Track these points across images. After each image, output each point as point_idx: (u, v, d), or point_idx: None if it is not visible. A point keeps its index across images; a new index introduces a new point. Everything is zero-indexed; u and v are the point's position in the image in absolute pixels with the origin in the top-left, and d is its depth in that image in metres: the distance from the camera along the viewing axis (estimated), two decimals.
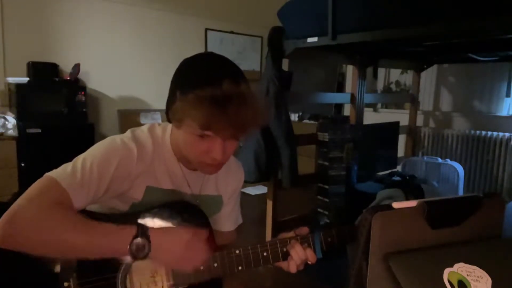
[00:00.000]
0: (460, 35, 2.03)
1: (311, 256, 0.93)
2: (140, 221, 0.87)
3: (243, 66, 0.86)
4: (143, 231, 0.78)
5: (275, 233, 2.54)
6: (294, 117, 4.80)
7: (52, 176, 0.78)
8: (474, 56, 2.68)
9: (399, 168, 3.37)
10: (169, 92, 0.85)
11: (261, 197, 3.73)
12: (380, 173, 3.12)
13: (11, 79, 3.33)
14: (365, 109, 3.02)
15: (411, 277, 0.90)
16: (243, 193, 1.19)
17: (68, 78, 3.56)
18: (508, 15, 1.45)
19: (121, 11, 4.02)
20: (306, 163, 2.99)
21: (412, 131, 3.64)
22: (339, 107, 4.61)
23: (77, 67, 3.53)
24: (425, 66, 3.47)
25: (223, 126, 0.77)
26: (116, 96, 4.08)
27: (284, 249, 0.93)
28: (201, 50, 4.46)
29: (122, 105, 4.09)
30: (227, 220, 1.10)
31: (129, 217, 0.88)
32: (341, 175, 2.65)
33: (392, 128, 3.35)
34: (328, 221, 2.63)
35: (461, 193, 2.98)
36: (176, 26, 4.40)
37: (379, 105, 4.34)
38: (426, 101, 3.92)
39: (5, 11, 3.39)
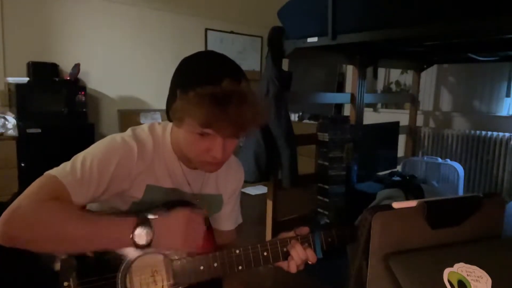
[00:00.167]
0: (460, 35, 2.03)
1: (311, 256, 0.93)
2: None
3: (243, 66, 0.86)
4: (144, 219, 0.79)
5: (275, 233, 2.54)
6: (294, 117, 4.80)
7: (52, 174, 0.79)
8: (474, 56, 2.69)
9: (399, 168, 3.38)
10: (169, 91, 0.85)
11: (261, 197, 3.73)
12: (380, 173, 3.12)
13: (11, 79, 3.33)
14: (365, 109, 3.02)
15: (411, 277, 0.90)
16: (243, 193, 1.19)
17: (68, 78, 3.55)
18: (508, 15, 1.45)
19: (121, 11, 4.02)
20: (306, 163, 2.99)
21: (412, 131, 3.64)
22: (339, 107, 4.61)
23: (77, 67, 3.52)
24: (425, 66, 3.47)
25: (224, 124, 0.77)
26: (116, 96, 4.08)
27: (284, 249, 0.93)
28: (201, 50, 4.45)
29: (122, 105, 4.09)
30: (227, 219, 1.10)
31: (129, 216, 0.88)
32: (341, 175, 2.65)
33: (392, 128, 3.35)
34: (328, 221, 2.63)
35: (461, 193, 2.98)
36: (176, 26, 4.40)
37: (379, 105, 4.34)
38: (426, 101, 3.92)
39: (5, 11, 3.39)
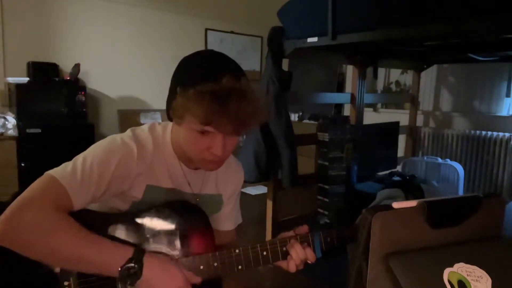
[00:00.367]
0: (460, 35, 2.03)
1: (310, 256, 0.93)
2: (139, 220, 0.88)
3: (243, 66, 0.86)
4: (139, 256, 0.78)
5: (275, 233, 2.54)
6: (294, 117, 4.80)
7: (53, 175, 0.78)
8: (474, 56, 2.68)
9: (399, 168, 3.38)
10: (169, 90, 0.85)
11: (261, 197, 3.73)
12: (380, 173, 3.12)
13: (11, 79, 3.33)
14: (365, 109, 3.02)
15: (411, 277, 0.90)
16: (243, 193, 1.19)
17: (68, 78, 3.55)
18: (508, 15, 1.45)
19: (121, 11, 4.02)
20: (306, 163, 2.99)
21: (412, 131, 3.64)
22: (339, 107, 4.61)
23: (77, 67, 3.52)
24: (425, 66, 3.47)
25: (224, 122, 0.77)
26: (116, 96, 4.08)
27: (284, 249, 0.93)
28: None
29: (122, 105, 4.09)
30: (227, 219, 1.10)
31: (129, 216, 0.88)
32: (341, 175, 2.65)
33: (392, 128, 3.35)
34: (328, 221, 2.63)
35: (461, 193, 2.98)
36: (176, 26, 4.40)
37: (379, 105, 4.34)
38: (426, 101, 3.92)
39: (5, 11, 3.38)
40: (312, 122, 4.69)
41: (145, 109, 4.16)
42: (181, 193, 0.97)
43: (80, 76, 3.60)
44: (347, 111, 3.71)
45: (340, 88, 4.71)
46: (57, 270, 0.81)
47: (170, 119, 0.88)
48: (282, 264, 0.94)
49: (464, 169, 3.14)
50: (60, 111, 3.37)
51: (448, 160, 3.15)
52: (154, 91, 4.22)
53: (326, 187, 2.63)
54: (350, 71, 4.30)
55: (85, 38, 3.82)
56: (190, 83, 0.77)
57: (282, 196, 2.64)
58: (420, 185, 2.55)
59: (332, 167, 2.61)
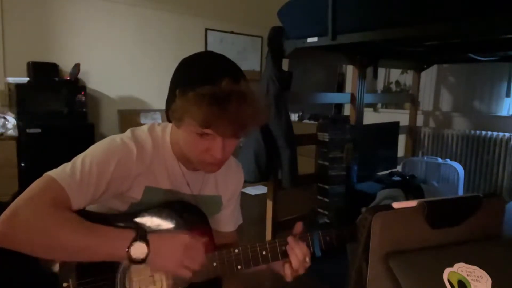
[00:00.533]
0: (460, 35, 2.03)
1: (306, 252, 0.92)
2: (138, 220, 0.87)
3: (243, 66, 0.86)
4: (142, 234, 0.78)
5: (275, 233, 2.54)
6: (294, 117, 4.80)
7: (52, 176, 0.78)
8: (474, 56, 2.68)
9: (399, 168, 3.37)
10: (168, 91, 0.85)
11: (261, 197, 3.73)
12: (380, 173, 3.12)
13: (11, 79, 3.33)
14: (365, 109, 3.02)
15: (411, 277, 0.90)
16: (243, 193, 1.19)
17: (68, 78, 3.55)
18: (508, 15, 1.44)
19: (122, 11, 4.02)
20: (306, 163, 2.99)
21: (412, 131, 3.64)
22: (339, 107, 4.61)
23: (77, 67, 3.52)
24: (425, 66, 3.47)
25: (223, 124, 0.77)
26: (116, 96, 4.08)
27: (283, 248, 0.93)
28: (201, 50, 4.44)
29: (122, 105, 4.09)
30: (228, 221, 1.10)
31: (128, 217, 0.88)
32: (341, 175, 2.65)
33: (392, 128, 3.35)
34: (328, 221, 2.63)
35: (461, 193, 2.98)
36: (176, 26, 4.40)
37: (379, 105, 4.34)
38: (426, 101, 3.92)
39: (5, 11, 3.38)
40: (312, 122, 4.69)
41: (145, 109, 4.16)
42: (180, 194, 0.96)
43: (80, 76, 3.60)
44: (347, 111, 3.71)
45: (340, 88, 4.71)
46: (56, 270, 0.81)
47: (169, 121, 0.88)
48: (280, 270, 0.95)
49: (464, 169, 3.14)
50: (60, 111, 3.37)
51: (448, 160, 3.15)
52: (154, 91, 4.22)
53: (326, 187, 2.62)
54: (350, 71, 4.30)
55: (85, 38, 3.82)
56: (189, 86, 0.77)
57: (282, 196, 2.64)
58: (420, 185, 2.55)
59: (332, 167, 2.61)
